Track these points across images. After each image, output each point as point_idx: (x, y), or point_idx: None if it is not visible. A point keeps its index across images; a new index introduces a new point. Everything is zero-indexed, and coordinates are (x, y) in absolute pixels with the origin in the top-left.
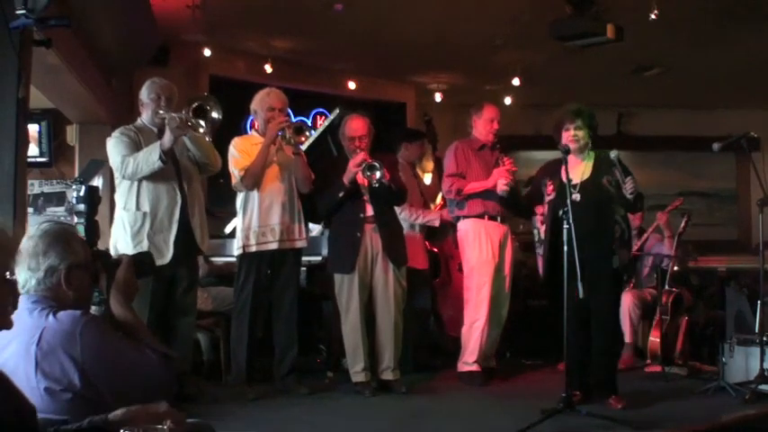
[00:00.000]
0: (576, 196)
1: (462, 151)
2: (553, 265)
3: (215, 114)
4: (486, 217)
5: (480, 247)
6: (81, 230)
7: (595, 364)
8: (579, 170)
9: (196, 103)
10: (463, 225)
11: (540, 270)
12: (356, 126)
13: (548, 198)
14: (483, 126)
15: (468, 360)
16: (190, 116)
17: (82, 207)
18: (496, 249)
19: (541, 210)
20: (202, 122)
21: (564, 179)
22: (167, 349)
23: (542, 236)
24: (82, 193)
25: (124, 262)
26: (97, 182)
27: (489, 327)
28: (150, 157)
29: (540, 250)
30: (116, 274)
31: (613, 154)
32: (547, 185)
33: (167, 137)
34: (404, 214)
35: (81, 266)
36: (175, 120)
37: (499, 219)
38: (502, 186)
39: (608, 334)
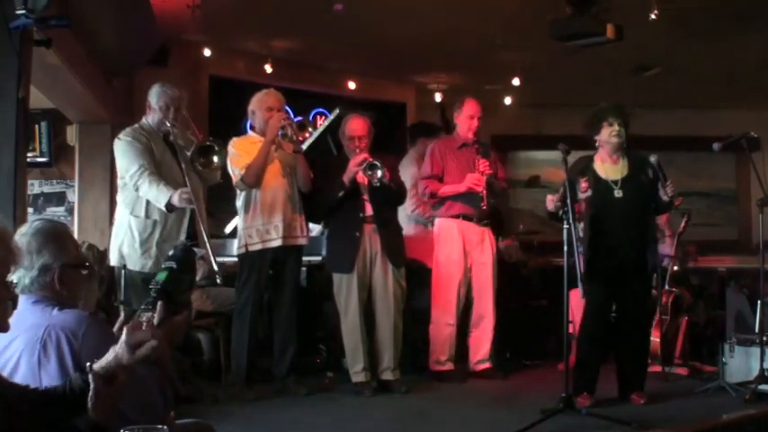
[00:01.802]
0: (618, 193)
1: (439, 151)
2: (593, 263)
3: (216, 159)
4: (460, 218)
5: (451, 246)
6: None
7: (632, 362)
8: (617, 168)
9: (204, 143)
10: (437, 223)
11: (582, 267)
12: (356, 126)
13: (583, 196)
14: (463, 123)
15: (441, 359)
16: (196, 156)
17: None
18: (469, 249)
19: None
20: (206, 168)
21: (600, 176)
22: (174, 392)
23: (581, 234)
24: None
25: (185, 314)
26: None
27: (461, 327)
28: (159, 198)
29: (580, 249)
30: (175, 318)
31: (653, 158)
32: (581, 183)
33: (176, 201)
34: (417, 211)
35: (73, 266)
36: (187, 192)
37: (475, 220)
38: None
39: (644, 332)
